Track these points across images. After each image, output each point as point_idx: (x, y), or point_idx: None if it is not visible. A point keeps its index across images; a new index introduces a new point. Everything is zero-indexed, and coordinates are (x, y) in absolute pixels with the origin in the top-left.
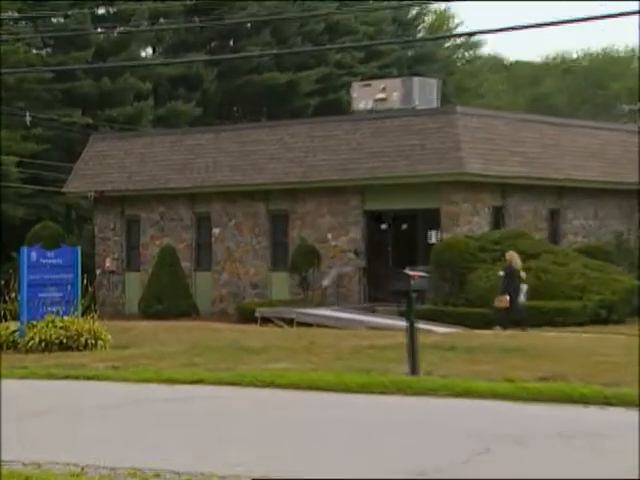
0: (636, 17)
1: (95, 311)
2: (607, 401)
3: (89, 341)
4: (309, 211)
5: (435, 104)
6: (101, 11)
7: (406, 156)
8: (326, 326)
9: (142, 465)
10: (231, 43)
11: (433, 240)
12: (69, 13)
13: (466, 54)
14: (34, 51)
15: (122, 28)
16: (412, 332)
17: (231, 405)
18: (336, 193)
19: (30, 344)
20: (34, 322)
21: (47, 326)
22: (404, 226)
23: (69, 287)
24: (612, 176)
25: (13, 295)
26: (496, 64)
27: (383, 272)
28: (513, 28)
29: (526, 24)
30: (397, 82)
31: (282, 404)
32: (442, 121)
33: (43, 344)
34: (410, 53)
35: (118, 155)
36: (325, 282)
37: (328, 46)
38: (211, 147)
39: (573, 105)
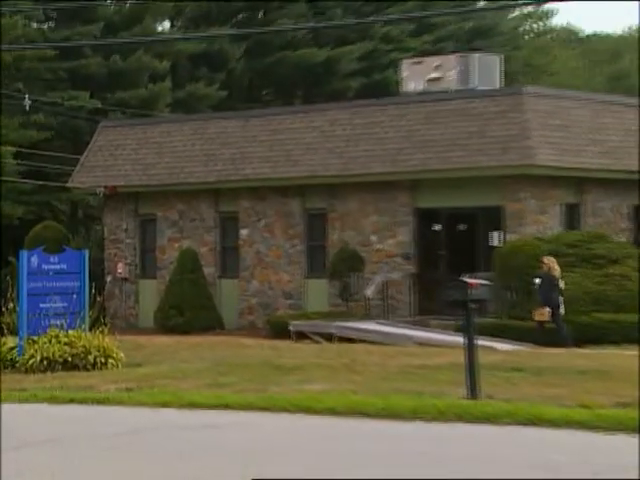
0: None
1: (105, 324)
2: None
3: (98, 359)
4: (351, 210)
5: (498, 84)
6: None
7: (463, 145)
8: (370, 342)
9: None
10: (261, 15)
11: (495, 243)
12: None
13: (534, 26)
14: (34, 25)
15: None
16: (471, 349)
17: (262, 434)
18: (382, 189)
19: (30, 363)
20: (35, 337)
21: (50, 342)
22: (461, 227)
23: (75, 297)
24: None
25: (11, 306)
26: (570, 37)
27: (437, 280)
28: None
29: None
30: (453, 59)
31: (319, 433)
32: (506, 104)
33: (45, 363)
34: (469, 25)
35: (131, 145)
36: (369, 291)
37: (373, 18)
38: (238, 136)
39: None
